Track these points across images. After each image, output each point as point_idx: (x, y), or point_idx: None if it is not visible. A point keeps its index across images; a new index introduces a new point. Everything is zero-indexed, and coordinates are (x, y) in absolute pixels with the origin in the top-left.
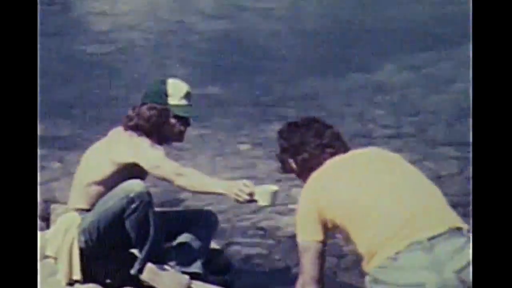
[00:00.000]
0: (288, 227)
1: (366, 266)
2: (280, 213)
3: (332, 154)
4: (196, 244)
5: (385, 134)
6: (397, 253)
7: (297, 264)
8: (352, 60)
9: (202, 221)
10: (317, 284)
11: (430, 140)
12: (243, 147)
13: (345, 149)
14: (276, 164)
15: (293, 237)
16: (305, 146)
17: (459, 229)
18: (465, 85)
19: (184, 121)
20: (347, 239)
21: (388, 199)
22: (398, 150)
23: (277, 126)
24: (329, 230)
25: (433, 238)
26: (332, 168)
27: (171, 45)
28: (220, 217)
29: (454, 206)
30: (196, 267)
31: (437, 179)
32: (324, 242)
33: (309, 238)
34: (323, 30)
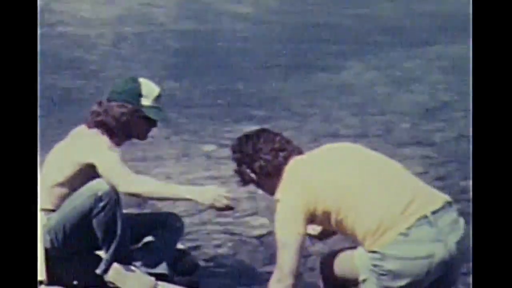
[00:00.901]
0: (254, 227)
1: (373, 245)
2: (245, 214)
3: (286, 158)
4: (161, 245)
5: (351, 134)
6: (408, 228)
7: (264, 264)
8: (317, 60)
9: (168, 224)
10: (294, 278)
11: (396, 140)
12: (208, 147)
13: (298, 151)
14: None
15: (258, 237)
16: (259, 153)
17: (449, 203)
18: (430, 85)
19: (152, 122)
20: (336, 227)
21: (387, 180)
22: None
23: (242, 127)
24: (313, 222)
25: (435, 212)
26: (312, 161)
27: (134, 45)
28: (185, 219)
29: None
30: (162, 268)
31: None
32: (305, 235)
33: (291, 232)
34: (288, 30)
